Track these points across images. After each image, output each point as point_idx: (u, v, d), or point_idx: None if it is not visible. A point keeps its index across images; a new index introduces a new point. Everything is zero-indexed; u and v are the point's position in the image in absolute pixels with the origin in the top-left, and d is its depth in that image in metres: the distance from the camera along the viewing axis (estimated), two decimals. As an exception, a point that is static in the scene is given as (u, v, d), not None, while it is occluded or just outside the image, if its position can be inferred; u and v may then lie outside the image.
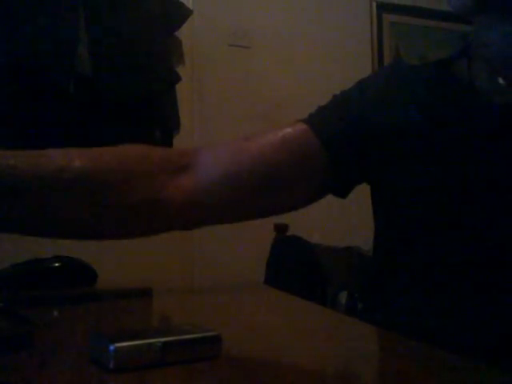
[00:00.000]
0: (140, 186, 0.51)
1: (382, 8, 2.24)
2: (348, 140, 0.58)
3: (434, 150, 0.54)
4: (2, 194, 0.44)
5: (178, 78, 1.85)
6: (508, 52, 0.53)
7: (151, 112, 1.81)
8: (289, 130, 0.58)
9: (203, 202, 0.55)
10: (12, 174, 0.44)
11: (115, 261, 1.54)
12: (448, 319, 0.49)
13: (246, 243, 1.70)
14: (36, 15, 1.59)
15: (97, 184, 0.49)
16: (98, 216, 0.49)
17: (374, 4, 2.23)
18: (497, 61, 0.54)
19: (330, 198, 0.64)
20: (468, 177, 0.51)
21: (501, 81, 0.53)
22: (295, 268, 0.83)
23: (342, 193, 0.62)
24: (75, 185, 0.48)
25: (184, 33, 1.93)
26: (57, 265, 0.62)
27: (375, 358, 0.33)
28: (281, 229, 1.09)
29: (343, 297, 0.85)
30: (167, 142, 1.90)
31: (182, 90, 1.89)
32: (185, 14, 1.88)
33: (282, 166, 0.57)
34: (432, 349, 0.31)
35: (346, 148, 0.58)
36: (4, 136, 1.68)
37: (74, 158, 0.49)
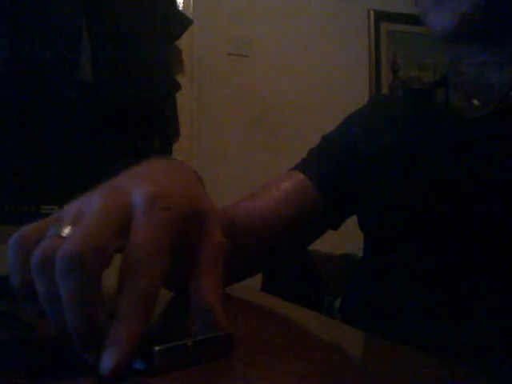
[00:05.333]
0: None
1: (380, 17, 2.26)
2: (338, 180, 0.64)
3: (410, 166, 0.58)
4: None
5: (177, 87, 1.87)
6: (480, 80, 0.57)
7: (151, 120, 1.83)
8: (289, 183, 0.64)
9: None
10: None
11: (116, 265, 1.55)
12: (431, 325, 0.50)
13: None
14: (39, 24, 1.61)
15: None
16: None
17: (372, 13, 2.25)
18: (470, 87, 0.58)
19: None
20: (444, 184, 0.55)
21: (475, 102, 0.57)
22: (292, 275, 0.83)
23: (336, 226, 0.68)
24: None
25: (184, 42, 1.95)
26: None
27: (370, 364, 0.33)
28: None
29: (339, 304, 0.85)
30: (167, 149, 1.91)
31: (181, 98, 1.91)
32: (185, 23, 1.90)
33: (289, 218, 0.62)
34: (428, 356, 0.32)
35: (338, 189, 0.64)
36: (7, 143, 1.69)
37: None
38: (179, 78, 1.92)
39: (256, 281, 0.81)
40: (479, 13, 0.53)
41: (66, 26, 1.64)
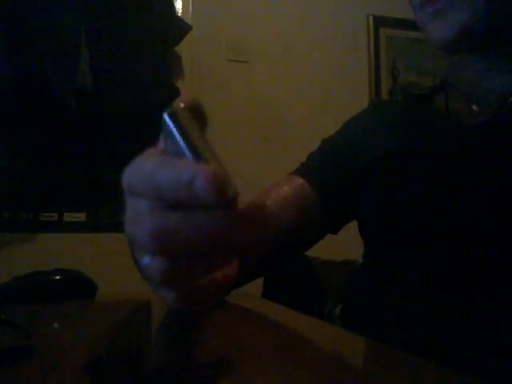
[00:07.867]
0: None
1: (379, 22, 2.27)
2: (338, 185, 0.64)
3: (409, 172, 0.58)
4: None
5: (177, 93, 1.87)
6: (479, 85, 0.58)
7: (151, 126, 1.83)
8: (288, 187, 0.63)
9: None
10: None
11: (115, 273, 1.55)
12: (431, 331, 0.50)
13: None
14: (39, 32, 1.61)
15: None
16: None
17: (371, 18, 2.26)
18: (470, 93, 0.59)
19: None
20: (444, 190, 0.55)
21: (475, 107, 0.58)
22: (292, 281, 0.83)
23: (335, 230, 0.68)
24: None
25: (183, 48, 1.95)
26: (58, 278, 0.62)
27: (371, 371, 0.33)
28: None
29: (340, 310, 0.85)
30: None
31: (181, 104, 1.91)
32: (184, 29, 1.91)
33: (288, 222, 0.62)
34: (428, 363, 0.32)
35: (338, 194, 0.64)
36: (6, 150, 1.69)
37: None
38: (179, 84, 1.92)
39: (256, 287, 0.80)
40: (478, 23, 0.54)
41: (65, 33, 1.65)
